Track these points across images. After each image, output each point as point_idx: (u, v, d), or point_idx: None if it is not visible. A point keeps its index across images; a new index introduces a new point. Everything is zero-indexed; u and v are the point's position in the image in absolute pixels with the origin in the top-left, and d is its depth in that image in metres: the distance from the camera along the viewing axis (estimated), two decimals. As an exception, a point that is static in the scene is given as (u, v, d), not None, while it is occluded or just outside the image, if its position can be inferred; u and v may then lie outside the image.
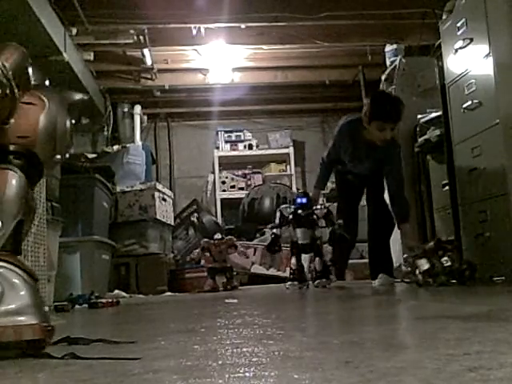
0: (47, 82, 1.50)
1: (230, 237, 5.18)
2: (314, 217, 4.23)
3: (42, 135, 1.33)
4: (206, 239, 5.14)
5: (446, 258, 3.27)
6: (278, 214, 4.35)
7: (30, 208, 1.36)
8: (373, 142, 3.75)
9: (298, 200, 4.26)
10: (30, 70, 1.35)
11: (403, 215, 3.78)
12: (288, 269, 5.32)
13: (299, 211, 4.21)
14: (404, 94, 4.89)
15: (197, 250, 5.14)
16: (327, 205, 4.69)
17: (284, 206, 4.44)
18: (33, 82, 1.39)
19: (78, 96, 1.45)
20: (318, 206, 4.35)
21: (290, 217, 4.24)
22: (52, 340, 1.29)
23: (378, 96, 3.90)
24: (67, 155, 1.45)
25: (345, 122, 3.94)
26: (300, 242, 4.24)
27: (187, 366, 0.99)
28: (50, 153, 1.37)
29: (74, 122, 1.44)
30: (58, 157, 1.41)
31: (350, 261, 5.51)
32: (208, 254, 4.96)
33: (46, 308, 1.34)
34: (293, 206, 4.30)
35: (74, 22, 5.13)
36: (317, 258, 4.22)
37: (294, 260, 4.32)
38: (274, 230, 4.40)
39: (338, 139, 3.96)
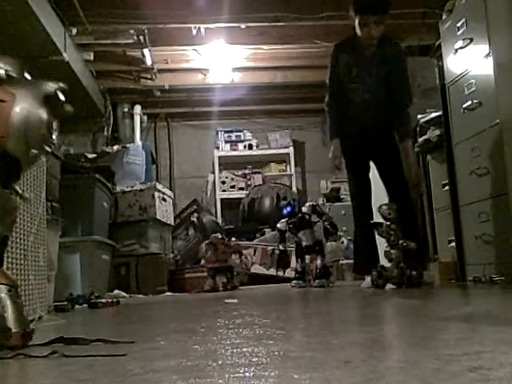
0: (28, 76, 1.45)
1: (237, 242, 5.20)
2: (306, 217, 4.38)
3: (14, 132, 1.29)
4: (214, 235, 5.15)
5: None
6: (277, 233, 4.62)
7: (6, 208, 1.34)
8: (369, 48, 3.53)
9: (284, 211, 4.52)
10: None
11: (406, 132, 3.60)
12: (289, 269, 5.43)
13: (292, 220, 4.42)
14: (404, 94, 4.89)
15: (205, 248, 5.07)
16: (314, 203, 4.68)
17: (280, 222, 4.59)
18: (7, 73, 1.35)
19: (52, 86, 1.40)
20: (304, 206, 4.45)
21: (287, 229, 4.46)
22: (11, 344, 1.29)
23: None
24: (48, 149, 1.40)
25: (337, 42, 3.78)
26: (303, 243, 4.38)
27: (187, 366, 0.99)
28: (23, 149, 1.34)
29: (53, 114, 1.38)
30: (34, 151, 1.38)
31: (350, 261, 5.52)
32: (213, 250, 4.95)
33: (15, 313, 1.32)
34: (283, 220, 4.51)
35: (74, 22, 5.13)
36: (318, 259, 4.30)
37: (298, 261, 4.46)
38: (280, 247, 4.63)
39: (335, 58, 3.69)
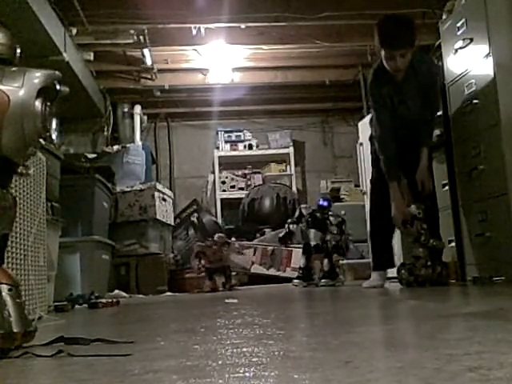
0: (18, 50, 1.42)
1: (220, 235, 5.18)
2: (328, 222, 4.48)
3: (9, 138, 1.27)
4: (198, 243, 5.19)
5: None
6: (297, 212, 4.68)
7: (2, 207, 1.34)
8: (399, 75, 3.40)
9: (320, 202, 4.58)
10: None
11: (424, 141, 3.54)
12: (289, 268, 5.48)
13: (317, 213, 4.50)
14: (404, 94, 4.89)
15: (195, 261, 5.11)
16: (345, 218, 4.73)
17: (304, 205, 4.75)
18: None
19: (46, 76, 1.36)
20: (334, 217, 4.47)
21: (308, 216, 4.54)
22: (17, 344, 1.29)
23: (382, 21, 3.43)
24: (42, 141, 1.38)
25: (370, 75, 3.59)
26: (311, 242, 4.47)
27: (187, 366, 0.99)
28: (21, 150, 1.33)
29: (49, 103, 1.36)
30: (31, 149, 1.36)
31: (350, 261, 5.53)
32: (203, 256, 4.98)
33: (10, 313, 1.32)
34: (313, 207, 4.60)
35: (74, 22, 5.14)
36: (325, 259, 4.38)
37: (303, 260, 4.54)
38: (290, 226, 4.71)
39: (377, 93, 3.52)
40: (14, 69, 1.33)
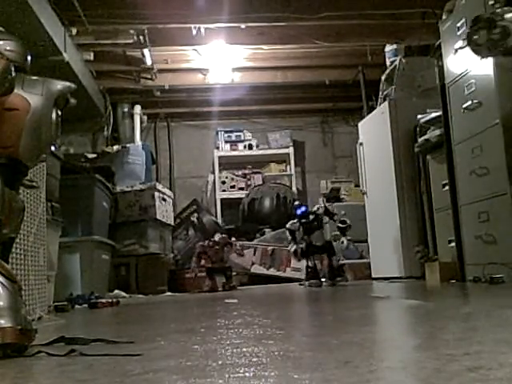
0: (29, 57, 1.44)
1: (223, 235, 5.20)
2: (319, 217, 4.56)
3: (26, 142, 1.29)
4: (200, 243, 5.20)
5: None
6: (287, 233, 4.73)
7: (14, 209, 1.35)
8: None
9: (298, 211, 4.64)
10: (14, 74, 1.29)
11: None
12: (289, 269, 5.52)
13: (303, 220, 4.58)
14: (404, 94, 4.90)
15: (194, 259, 5.16)
16: (326, 204, 4.78)
17: (290, 222, 4.72)
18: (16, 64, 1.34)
19: (64, 87, 1.40)
20: (316, 207, 4.58)
21: (300, 229, 4.60)
22: (31, 342, 1.29)
23: None
24: (53, 148, 1.43)
25: None
26: (315, 243, 4.54)
27: (187, 366, 0.99)
28: (35, 155, 1.36)
29: (60, 112, 1.39)
30: (43, 155, 1.40)
31: (350, 261, 5.53)
32: (205, 256, 5.00)
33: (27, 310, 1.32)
34: (296, 220, 4.64)
35: (74, 22, 5.13)
36: (333, 258, 4.52)
37: (310, 261, 4.58)
38: (291, 247, 4.73)
39: None
40: (34, 77, 1.37)
